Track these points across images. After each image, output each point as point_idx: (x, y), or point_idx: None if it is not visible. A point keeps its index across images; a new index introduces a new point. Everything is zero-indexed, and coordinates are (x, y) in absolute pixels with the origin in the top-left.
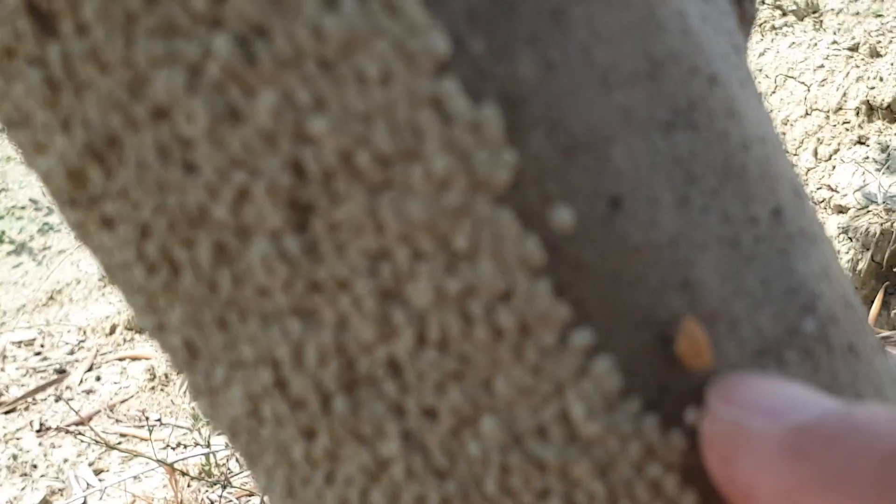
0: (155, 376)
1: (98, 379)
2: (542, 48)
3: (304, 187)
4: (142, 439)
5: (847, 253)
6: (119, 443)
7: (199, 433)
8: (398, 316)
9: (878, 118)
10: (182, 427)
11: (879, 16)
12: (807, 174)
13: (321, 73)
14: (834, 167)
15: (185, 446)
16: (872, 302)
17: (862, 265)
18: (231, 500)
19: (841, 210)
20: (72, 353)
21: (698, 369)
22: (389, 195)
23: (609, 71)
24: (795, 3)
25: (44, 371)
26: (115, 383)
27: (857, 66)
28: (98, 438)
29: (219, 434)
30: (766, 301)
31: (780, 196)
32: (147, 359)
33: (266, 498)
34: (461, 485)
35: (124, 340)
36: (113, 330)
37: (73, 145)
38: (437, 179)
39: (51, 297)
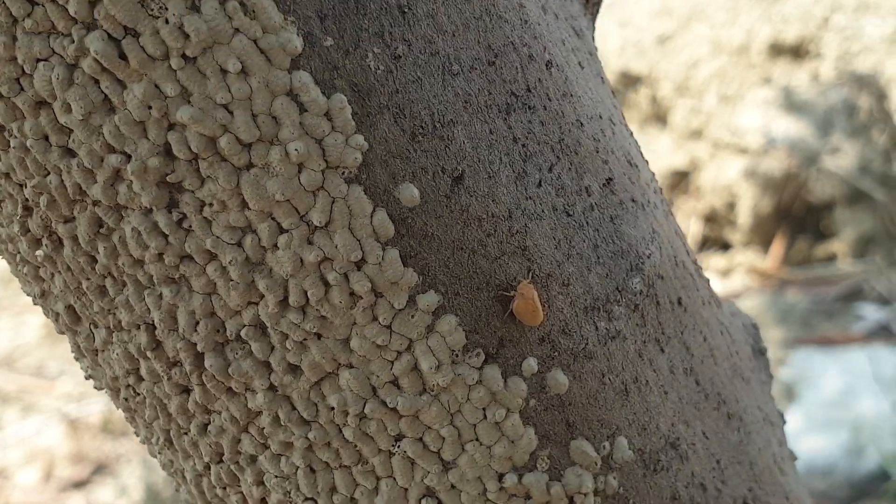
0: (54, 329)
1: None
2: (389, 41)
3: (173, 168)
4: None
5: (748, 194)
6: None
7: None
8: (262, 283)
9: (783, 60)
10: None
11: None
12: (711, 116)
13: (185, 67)
14: (738, 109)
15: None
16: (771, 243)
17: (763, 206)
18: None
19: (744, 152)
20: None
21: (533, 325)
22: (251, 175)
23: (451, 60)
24: None
25: None
26: (13, 331)
27: (763, 7)
28: None
29: (100, 389)
30: (597, 263)
31: (613, 167)
32: None
33: (146, 448)
34: (323, 432)
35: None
36: (11, 280)
37: None
38: (293, 161)
39: None
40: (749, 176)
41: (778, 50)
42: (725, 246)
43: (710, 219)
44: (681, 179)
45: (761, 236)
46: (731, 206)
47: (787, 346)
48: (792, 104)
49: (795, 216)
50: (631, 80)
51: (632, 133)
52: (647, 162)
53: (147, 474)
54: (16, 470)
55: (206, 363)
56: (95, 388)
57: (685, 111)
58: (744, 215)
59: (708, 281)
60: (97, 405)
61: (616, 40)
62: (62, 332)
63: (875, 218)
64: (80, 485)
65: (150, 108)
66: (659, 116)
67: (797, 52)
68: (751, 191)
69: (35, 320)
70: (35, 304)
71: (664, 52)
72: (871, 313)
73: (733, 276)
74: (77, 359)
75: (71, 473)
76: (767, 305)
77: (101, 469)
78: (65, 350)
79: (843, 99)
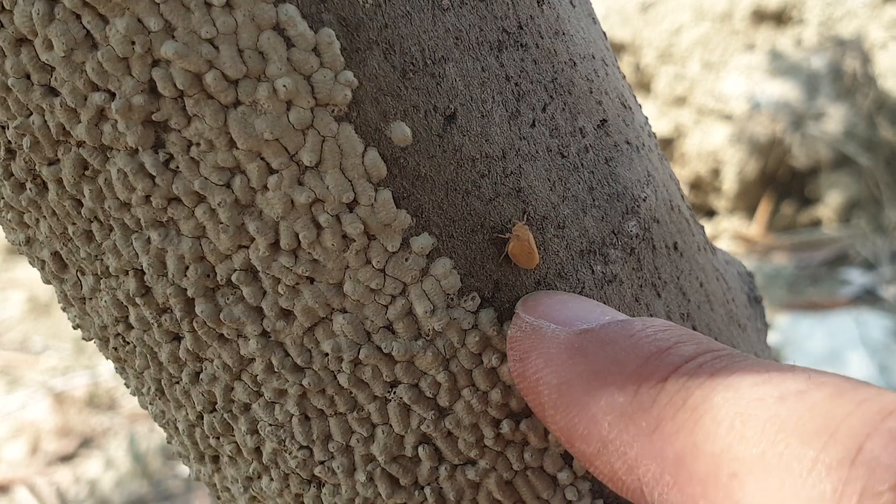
0: (38, 303)
1: None
2: None
3: (159, 106)
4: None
5: (733, 160)
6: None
7: (87, 358)
8: (252, 225)
9: (766, 25)
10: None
11: None
12: (695, 83)
13: (169, 1)
14: (722, 75)
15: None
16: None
17: (748, 172)
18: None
19: (728, 118)
20: None
21: (529, 268)
22: (238, 113)
23: None
24: None
25: None
26: None
27: None
28: None
29: (89, 339)
30: (592, 205)
31: (608, 109)
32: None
33: (137, 399)
34: (317, 378)
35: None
36: None
37: None
38: (281, 98)
39: None
40: (734, 142)
41: (761, 16)
42: (711, 213)
43: (696, 185)
44: (665, 146)
45: (746, 202)
46: (716, 173)
47: (774, 312)
48: (776, 69)
49: (780, 181)
50: (614, 49)
51: (624, 77)
52: (640, 106)
53: (134, 447)
54: (2, 444)
55: (197, 309)
56: (84, 338)
57: (669, 78)
58: (729, 181)
59: (703, 228)
60: (82, 378)
61: (599, 8)
62: (48, 282)
63: (860, 182)
64: (66, 458)
65: (133, 43)
66: (643, 84)
67: (780, 17)
68: (736, 157)
69: (19, 295)
70: (20, 252)
71: (647, 19)
72: (857, 278)
73: (719, 243)
74: (64, 308)
75: (57, 447)
76: (753, 271)
77: (87, 442)
78: (49, 324)
79: (828, 63)
